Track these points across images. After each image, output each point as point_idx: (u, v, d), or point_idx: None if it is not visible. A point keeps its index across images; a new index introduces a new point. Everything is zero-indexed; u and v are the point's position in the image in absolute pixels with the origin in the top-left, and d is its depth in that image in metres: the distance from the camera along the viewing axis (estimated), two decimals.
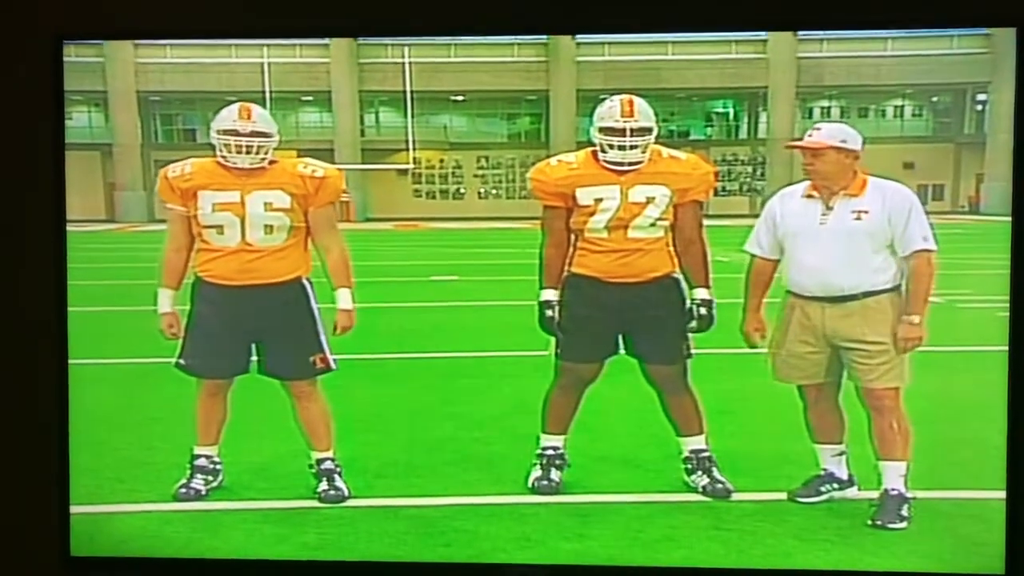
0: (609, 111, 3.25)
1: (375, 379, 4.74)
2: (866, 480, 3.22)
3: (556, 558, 2.98)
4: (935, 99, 14.48)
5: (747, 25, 4.28)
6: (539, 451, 3.43)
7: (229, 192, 3.22)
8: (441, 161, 14.46)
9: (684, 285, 3.33)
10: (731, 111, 14.70)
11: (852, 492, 3.28)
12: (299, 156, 3.40)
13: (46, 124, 2.98)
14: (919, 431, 3.13)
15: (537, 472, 3.42)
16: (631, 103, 3.24)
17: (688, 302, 3.32)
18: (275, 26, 3.20)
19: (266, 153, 3.25)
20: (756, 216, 3.32)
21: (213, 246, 3.25)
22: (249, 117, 3.23)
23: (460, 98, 14.37)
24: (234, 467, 3.47)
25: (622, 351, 3.36)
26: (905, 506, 3.11)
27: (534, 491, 3.38)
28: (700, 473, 3.37)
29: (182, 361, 3.33)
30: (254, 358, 3.33)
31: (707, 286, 3.30)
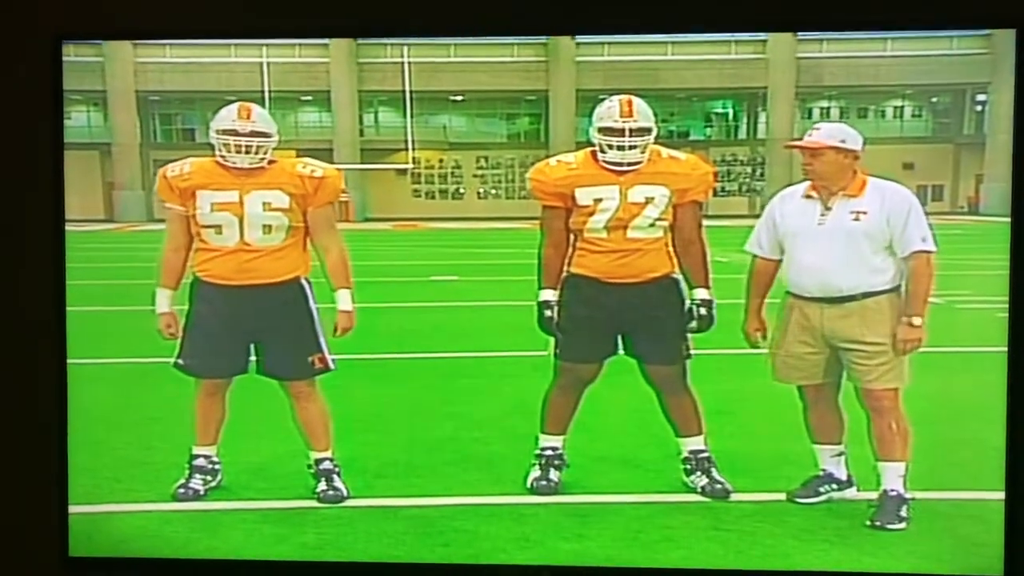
0: (608, 111, 3.25)
1: (374, 379, 4.74)
2: (865, 481, 3.22)
3: (555, 558, 2.98)
4: (935, 100, 14.47)
5: (747, 26, 4.29)
6: (538, 451, 3.43)
7: (228, 192, 3.22)
8: (440, 161, 14.45)
9: (683, 285, 3.33)
10: (730, 111, 14.68)
11: (851, 493, 3.28)
12: (298, 156, 3.40)
13: (45, 124, 2.98)
14: (918, 432, 3.13)
15: (536, 472, 3.42)
16: (630, 103, 3.25)
17: (688, 302, 3.32)
18: (275, 26, 3.20)
19: (265, 153, 3.25)
20: (755, 216, 3.32)
21: (211, 246, 3.25)
22: (248, 117, 3.23)
23: (459, 98, 14.35)
24: (233, 467, 3.47)
25: (621, 351, 3.37)
26: (904, 507, 3.11)
27: (533, 491, 3.38)
28: (699, 473, 3.37)
29: (180, 361, 3.33)
30: (253, 358, 3.33)
31: (707, 286, 3.31)
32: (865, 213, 3.08)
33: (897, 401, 3.11)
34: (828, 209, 3.12)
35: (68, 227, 3.01)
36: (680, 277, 3.33)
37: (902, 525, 3.10)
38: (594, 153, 3.30)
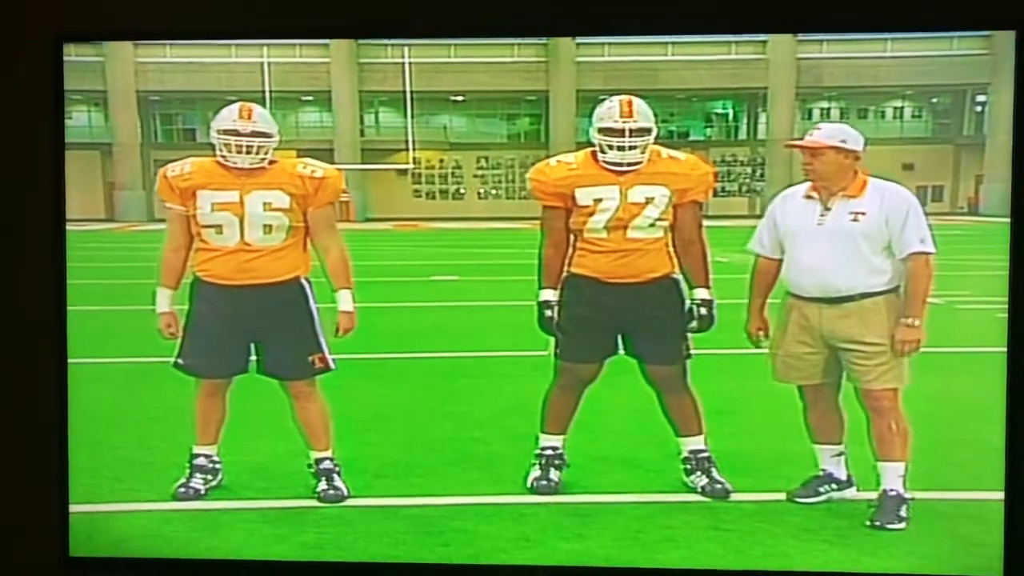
0: (608, 112, 3.26)
1: (375, 379, 4.74)
2: (865, 481, 3.22)
3: (555, 558, 2.98)
4: (935, 100, 14.47)
5: (747, 28, 4.29)
6: (538, 451, 3.43)
7: (228, 192, 3.23)
8: (441, 161, 14.45)
9: (683, 285, 3.33)
10: (731, 112, 14.69)
11: (851, 493, 3.28)
12: (299, 156, 3.40)
13: (46, 124, 2.98)
14: (918, 432, 3.13)
15: (536, 472, 3.42)
16: (630, 104, 3.25)
17: (688, 302, 3.33)
18: (275, 27, 3.20)
19: (266, 153, 3.25)
20: (755, 217, 3.33)
21: (212, 246, 3.25)
22: (250, 117, 3.23)
23: (460, 98, 14.36)
24: (233, 466, 3.47)
25: (621, 351, 3.37)
26: (904, 507, 3.11)
27: (533, 491, 3.38)
28: (699, 473, 3.37)
29: (181, 361, 3.33)
30: (253, 358, 3.34)
31: (707, 286, 3.31)
32: (864, 214, 3.08)
33: (896, 401, 3.11)
34: (828, 209, 3.12)
35: (69, 227, 3.01)
36: (680, 277, 3.33)
37: (902, 525, 3.10)
38: (594, 153, 3.30)
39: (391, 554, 3.02)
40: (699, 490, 3.36)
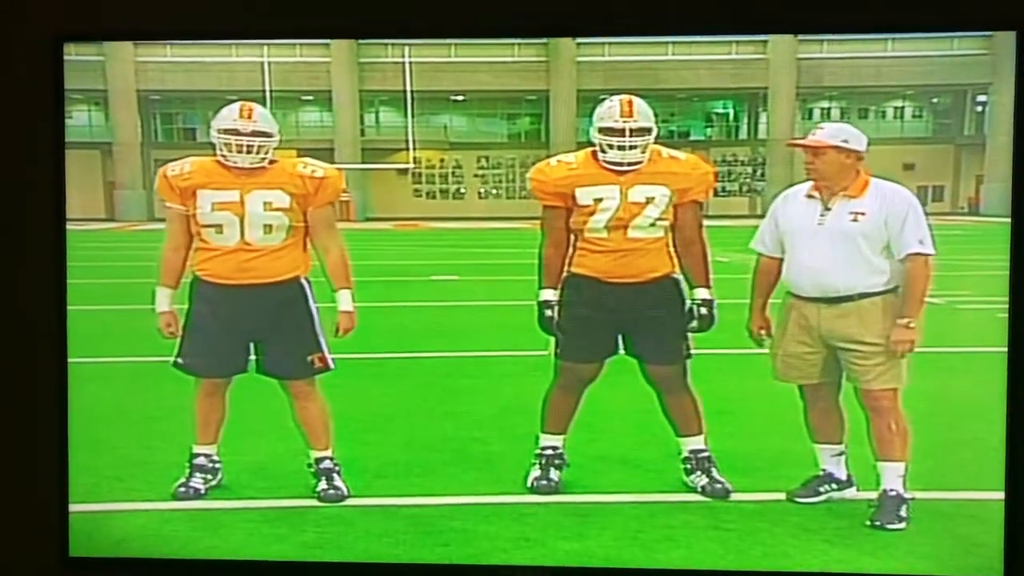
0: (609, 111, 3.26)
1: (374, 379, 4.74)
2: (865, 481, 3.22)
3: (555, 558, 2.98)
4: (935, 100, 14.47)
5: (747, 29, 4.28)
6: (538, 451, 3.43)
7: (228, 191, 3.23)
8: (441, 161, 14.44)
9: (684, 285, 3.33)
10: (731, 112, 14.68)
11: (851, 492, 3.28)
12: (299, 155, 3.40)
13: (46, 123, 2.98)
14: (918, 432, 3.13)
15: (536, 472, 3.42)
16: (630, 103, 3.25)
17: (688, 302, 3.33)
18: (275, 27, 3.20)
19: (267, 153, 3.25)
20: (756, 216, 3.34)
21: (211, 245, 3.25)
22: (250, 116, 3.23)
23: (460, 98, 14.35)
24: (233, 466, 3.47)
25: (622, 351, 3.37)
26: (904, 507, 3.11)
27: (533, 491, 3.39)
28: (699, 473, 3.37)
29: (180, 360, 3.33)
30: (252, 357, 3.34)
31: (707, 286, 3.31)
32: (863, 214, 3.08)
33: (896, 401, 3.11)
34: (828, 209, 3.12)
35: (69, 226, 3.01)
36: (680, 277, 3.33)
37: (902, 525, 3.10)
38: (594, 153, 3.30)
39: (391, 554, 3.02)
40: (699, 490, 3.36)
